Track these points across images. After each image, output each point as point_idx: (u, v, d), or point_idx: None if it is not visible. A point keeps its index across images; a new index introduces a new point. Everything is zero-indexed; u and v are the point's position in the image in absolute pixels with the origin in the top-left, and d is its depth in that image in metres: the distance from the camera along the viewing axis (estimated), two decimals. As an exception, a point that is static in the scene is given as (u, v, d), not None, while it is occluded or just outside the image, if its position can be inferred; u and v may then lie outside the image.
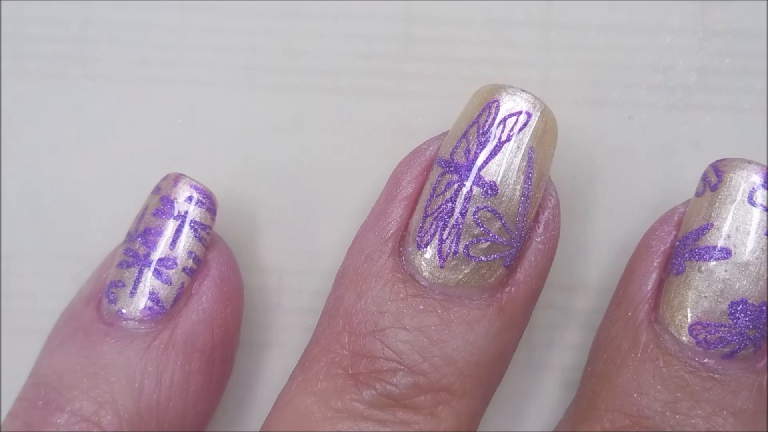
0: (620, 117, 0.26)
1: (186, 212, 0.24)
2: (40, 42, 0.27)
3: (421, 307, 0.22)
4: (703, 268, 0.22)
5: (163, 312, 0.24)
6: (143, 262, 0.24)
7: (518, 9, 0.26)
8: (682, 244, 0.23)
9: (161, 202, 0.24)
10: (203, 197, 0.24)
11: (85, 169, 0.27)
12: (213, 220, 0.24)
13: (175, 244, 0.24)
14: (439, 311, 0.22)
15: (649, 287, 0.23)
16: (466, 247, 0.22)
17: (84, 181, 0.27)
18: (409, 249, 0.22)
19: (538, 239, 0.23)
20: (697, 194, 0.23)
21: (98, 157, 0.27)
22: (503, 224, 0.22)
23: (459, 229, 0.22)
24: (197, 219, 0.24)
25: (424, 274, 0.22)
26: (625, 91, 0.26)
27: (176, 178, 0.24)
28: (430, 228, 0.22)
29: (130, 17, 0.27)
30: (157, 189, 0.24)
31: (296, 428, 0.22)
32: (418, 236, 0.22)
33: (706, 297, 0.22)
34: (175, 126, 0.27)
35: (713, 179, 0.22)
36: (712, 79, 0.26)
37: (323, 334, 0.23)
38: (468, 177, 0.22)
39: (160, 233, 0.24)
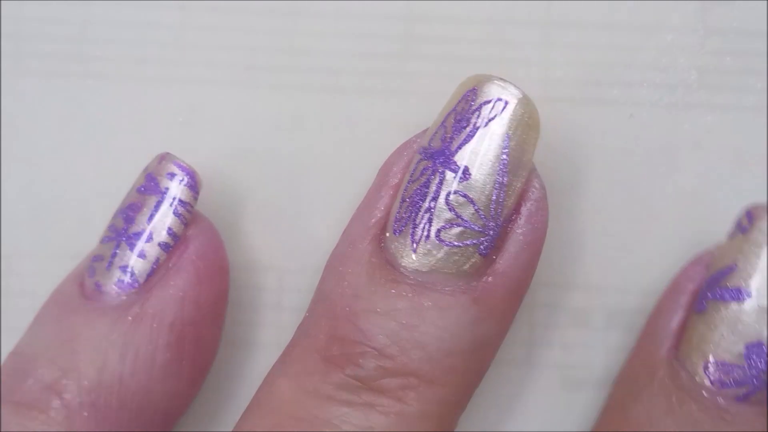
0: (621, 116, 0.26)
1: (167, 188, 0.24)
2: (40, 41, 0.27)
3: (394, 291, 0.22)
4: (723, 309, 0.22)
5: (136, 286, 0.24)
6: (121, 236, 0.24)
7: (519, 8, 0.26)
8: (707, 284, 0.23)
9: (145, 179, 0.24)
10: (186, 175, 0.24)
11: (85, 169, 0.27)
12: (195, 198, 0.24)
13: (152, 219, 0.24)
14: (410, 295, 0.22)
15: (673, 324, 0.23)
16: (438, 231, 0.22)
17: (84, 181, 0.27)
18: (387, 235, 0.23)
19: (519, 231, 0.22)
20: (729, 237, 0.23)
21: (98, 157, 0.27)
22: (476, 210, 0.22)
23: (431, 213, 0.22)
24: (178, 195, 0.24)
25: (399, 259, 0.22)
26: (626, 89, 0.26)
27: (162, 157, 0.25)
28: (405, 213, 0.22)
29: (130, 16, 0.27)
30: (146, 168, 0.25)
31: (266, 407, 0.22)
32: (395, 222, 0.22)
33: (723, 337, 0.22)
34: (176, 125, 0.27)
35: (745, 222, 0.23)
36: (713, 77, 0.26)
37: (306, 319, 0.23)
38: (441, 162, 0.22)
39: (139, 208, 0.24)
